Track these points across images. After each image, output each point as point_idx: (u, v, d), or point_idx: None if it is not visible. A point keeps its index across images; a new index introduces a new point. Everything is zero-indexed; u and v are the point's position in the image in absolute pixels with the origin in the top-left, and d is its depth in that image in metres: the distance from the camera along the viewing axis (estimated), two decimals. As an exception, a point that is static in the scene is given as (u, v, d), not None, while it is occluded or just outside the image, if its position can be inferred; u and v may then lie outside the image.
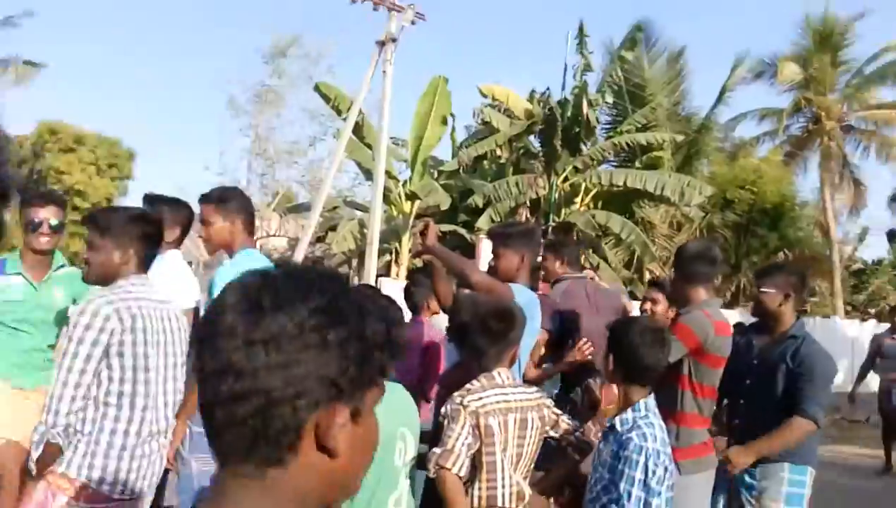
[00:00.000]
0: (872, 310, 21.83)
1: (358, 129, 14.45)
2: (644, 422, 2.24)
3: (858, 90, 20.74)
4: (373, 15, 12.65)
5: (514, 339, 2.41)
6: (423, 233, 2.94)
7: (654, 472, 2.13)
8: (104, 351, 2.10)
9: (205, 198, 2.93)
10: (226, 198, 2.92)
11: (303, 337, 0.70)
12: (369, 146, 14.52)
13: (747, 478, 2.97)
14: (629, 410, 2.30)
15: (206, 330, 0.72)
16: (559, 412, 2.50)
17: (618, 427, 2.29)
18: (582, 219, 14.80)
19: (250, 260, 2.84)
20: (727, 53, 29.20)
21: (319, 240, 19.17)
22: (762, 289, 3.10)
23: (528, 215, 15.75)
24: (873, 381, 8.27)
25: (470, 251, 14.14)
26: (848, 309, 21.07)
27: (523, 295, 2.85)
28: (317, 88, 16.04)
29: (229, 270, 2.74)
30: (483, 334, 2.35)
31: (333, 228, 17.02)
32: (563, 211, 15.72)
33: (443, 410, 2.29)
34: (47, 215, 3.10)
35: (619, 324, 2.48)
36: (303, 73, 20.06)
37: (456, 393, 2.29)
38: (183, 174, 57.05)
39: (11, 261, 3.17)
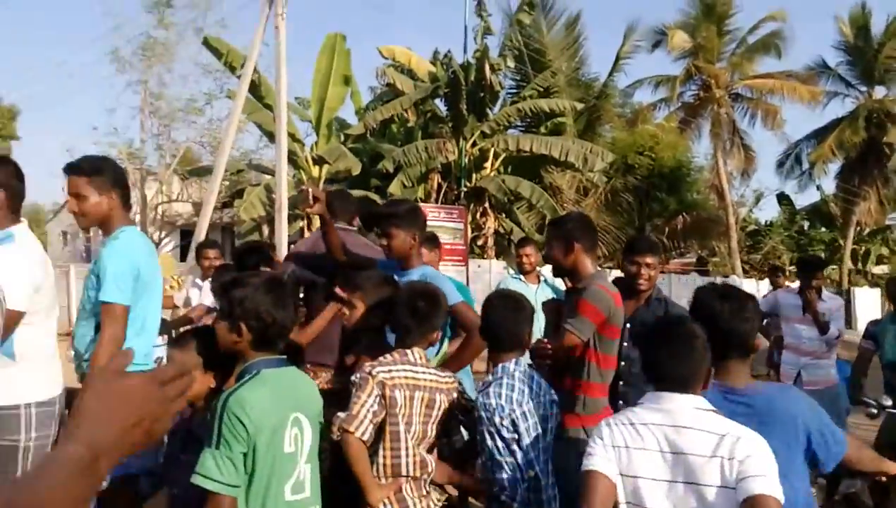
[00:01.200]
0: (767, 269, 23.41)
1: (255, 89, 13.84)
2: (495, 384, 2.37)
3: (743, 59, 21.93)
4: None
5: (437, 323, 2.50)
6: (315, 201, 3.00)
7: (501, 425, 2.29)
8: None
9: (74, 169, 2.64)
10: (99, 170, 2.65)
11: None
12: (269, 107, 14.00)
13: None
14: (489, 375, 2.45)
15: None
16: (472, 400, 2.55)
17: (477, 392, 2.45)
18: (493, 184, 14.97)
19: (134, 239, 2.71)
20: (619, 21, 29.89)
21: (226, 205, 18.41)
22: (647, 262, 3.30)
23: (440, 180, 15.78)
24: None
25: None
26: (746, 268, 22.56)
27: (430, 274, 2.96)
28: (205, 42, 15.13)
29: (117, 252, 2.60)
30: (409, 313, 2.43)
31: (240, 193, 16.39)
32: (473, 176, 15.85)
33: (352, 378, 2.36)
34: None
35: (490, 296, 2.64)
36: (191, 24, 18.60)
37: (367, 364, 2.36)
38: (71, 134, 52.95)
39: None
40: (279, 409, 1.97)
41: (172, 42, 18.60)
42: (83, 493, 0.69)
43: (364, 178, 15.98)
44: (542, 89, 15.76)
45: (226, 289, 2.07)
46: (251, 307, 2.00)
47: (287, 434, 1.98)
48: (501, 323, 2.47)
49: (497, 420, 2.29)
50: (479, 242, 15.54)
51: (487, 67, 14.30)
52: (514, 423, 2.29)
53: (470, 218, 14.79)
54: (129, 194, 2.81)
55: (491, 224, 15.67)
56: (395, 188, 14.42)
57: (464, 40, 15.31)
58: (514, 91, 17.19)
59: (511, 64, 15.91)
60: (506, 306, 2.50)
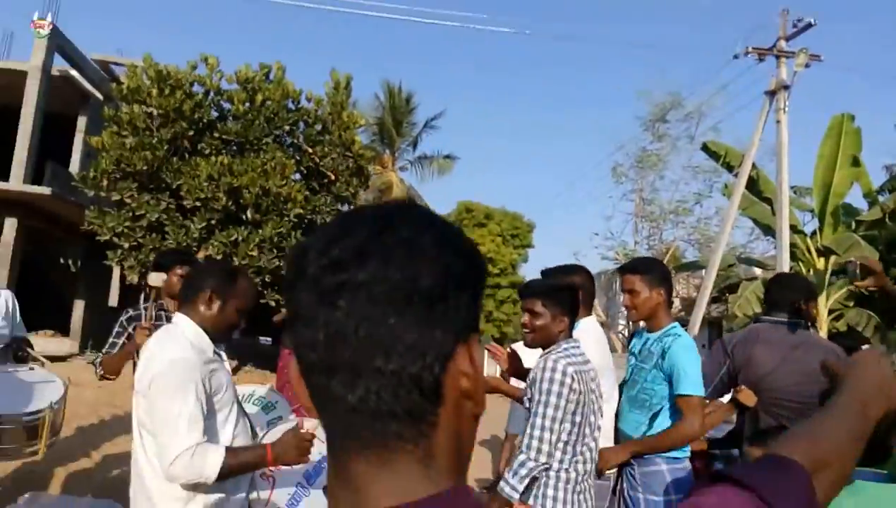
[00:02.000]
0: None
1: (751, 183, 13.59)
2: None
3: None
4: (757, 66, 12.09)
5: None
6: (867, 274, 2.97)
7: None
8: (566, 404, 2.41)
9: (629, 269, 3.05)
10: (650, 268, 3.04)
11: None
12: (766, 200, 13.51)
13: None
14: None
15: None
16: None
17: None
18: None
19: (688, 336, 2.96)
20: None
21: (715, 300, 18.35)
22: None
23: None
24: None
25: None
26: None
27: None
28: (704, 147, 15.77)
29: (688, 349, 2.86)
30: None
31: (730, 288, 16.12)
32: None
33: None
34: None
35: None
36: (684, 133, 20.19)
37: None
38: (575, 240, 61.39)
39: None
40: None
41: (665, 152, 20.37)
42: (862, 433, 0.85)
43: (883, 268, 13.69)
44: None
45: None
46: None
47: None
48: None
49: None
50: None
51: None
52: None
53: None
54: (671, 291, 3.06)
55: None
56: (928, 278, 11.90)
57: None
58: None
59: None
60: None
